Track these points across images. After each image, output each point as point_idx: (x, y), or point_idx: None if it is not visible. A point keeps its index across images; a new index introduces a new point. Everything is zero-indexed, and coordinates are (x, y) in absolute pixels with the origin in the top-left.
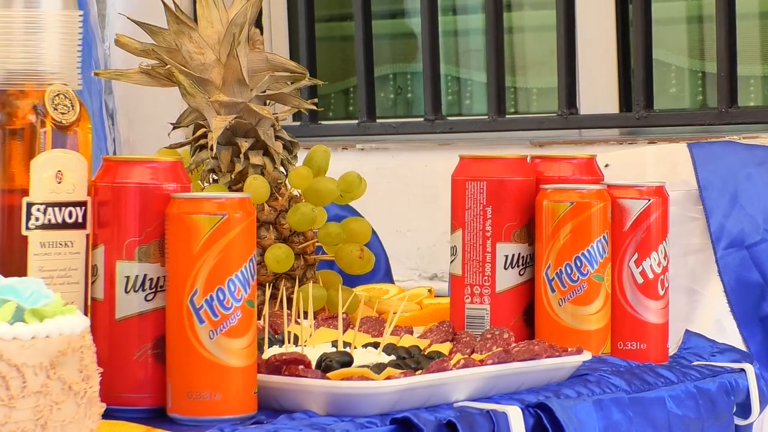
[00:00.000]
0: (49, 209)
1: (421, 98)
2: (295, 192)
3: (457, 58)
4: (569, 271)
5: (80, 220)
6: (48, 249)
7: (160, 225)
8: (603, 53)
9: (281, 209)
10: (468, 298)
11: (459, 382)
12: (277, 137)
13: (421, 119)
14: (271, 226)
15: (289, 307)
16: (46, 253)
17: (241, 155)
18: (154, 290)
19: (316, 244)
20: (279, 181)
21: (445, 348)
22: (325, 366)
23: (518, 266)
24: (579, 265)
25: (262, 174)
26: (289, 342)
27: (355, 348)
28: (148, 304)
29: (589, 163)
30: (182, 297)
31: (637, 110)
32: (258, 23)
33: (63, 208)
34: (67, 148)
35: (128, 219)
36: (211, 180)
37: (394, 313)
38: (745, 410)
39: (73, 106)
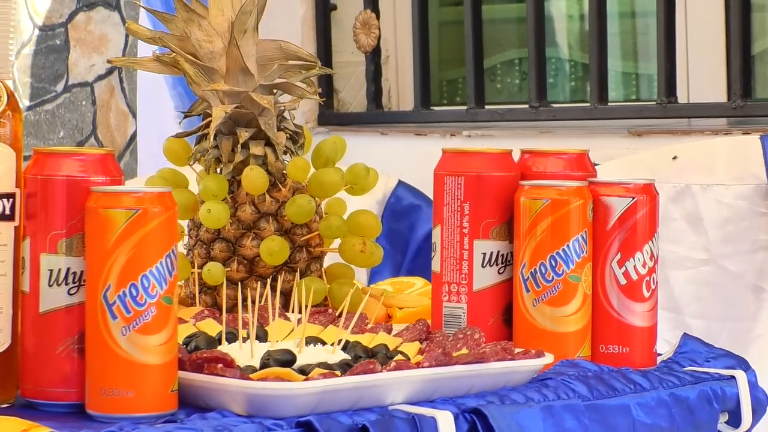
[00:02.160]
0: None
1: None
2: (303, 183)
3: (582, 44)
4: (543, 271)
5: (8, 211)
6: None
7: (84, 218)
8: (712, 41)
9: (284, 200)
10: (445, 296)
11: (386, 385)
12: (281, 127)
13: (527, 106)
14: (271, 218)
15: (289, 300)
16: None
17: (239, 145)
18: (77, 284)
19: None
20: (283, 172)
21: (413, 347)
22: (262, 364)
23: (497, 264)
24: (554, 264)
25: (265, 164)
26: (255, 338)
27: (331, 345)
28: (71, 298)
29: (579, 159)
30: (96, 292)
31: (734, 99)
32: (375, 7)
33: None
34: None
35: (53, 211)
36: (217, 170)
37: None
38: (738, 419)
39: (0, 96)
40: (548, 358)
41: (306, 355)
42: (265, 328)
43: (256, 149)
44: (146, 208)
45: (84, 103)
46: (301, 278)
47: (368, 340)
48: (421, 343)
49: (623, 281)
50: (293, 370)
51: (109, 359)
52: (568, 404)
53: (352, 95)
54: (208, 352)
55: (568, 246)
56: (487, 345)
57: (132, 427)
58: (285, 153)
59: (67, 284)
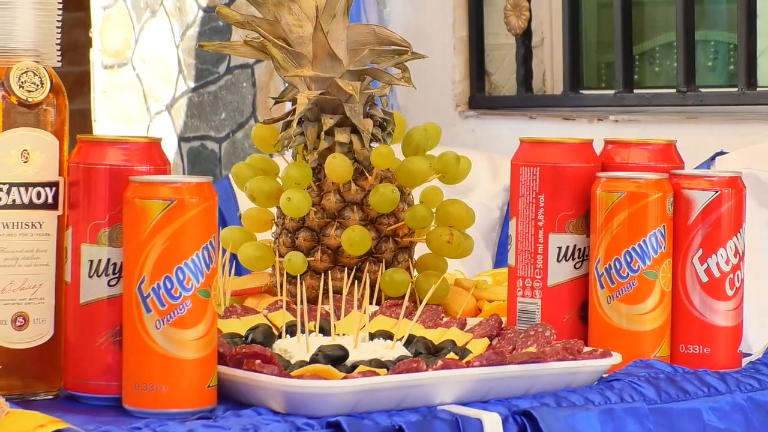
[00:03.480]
0: (14, 189)
1: (705, 66)
2: (392, 172)
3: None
4: (618, 267)
5: (50, 200)
6: (12, 230)
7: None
8: None
9: (370, 189)
10: (520, 291)
11: (432, 384)
12: (368, 114)
13: (674, 90)
14: (356, 207)
15: (373, 291)
16: (10, 234)
17: (323, 132)
18: (117, 276)
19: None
20: (370, 160)
21: (481, 344)
22: (311, 359)
23: (573, 259)
24: (629, 260)
25: (351, 152)
26: (320, 332)
27: (398, 340)
28: (112, 289)
29: (666, 150)
30: (132, 285)
31: None
32: None
33: (30, 188)
34: (37, 126)
35: (95, 201)
36: (304, 158)
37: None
38: None
39: (42, 83)
40: (615, 359)
41: (362, 351)
42: (340, 320)
43: (341, 136)
44: (183, 198)
45: (245, 84)
46: (386, 269)
47: (439, 335)
48: (491, 339)
49: (705, 278)
50: (346, 365)
51: (143, 353)
52: (631, 408)
53: (505, 78)
54: (247, 348)
55: (644, 241)
56: (557, 343)
57: (160, 424)
58: (373, 140)
59: (107, 275)
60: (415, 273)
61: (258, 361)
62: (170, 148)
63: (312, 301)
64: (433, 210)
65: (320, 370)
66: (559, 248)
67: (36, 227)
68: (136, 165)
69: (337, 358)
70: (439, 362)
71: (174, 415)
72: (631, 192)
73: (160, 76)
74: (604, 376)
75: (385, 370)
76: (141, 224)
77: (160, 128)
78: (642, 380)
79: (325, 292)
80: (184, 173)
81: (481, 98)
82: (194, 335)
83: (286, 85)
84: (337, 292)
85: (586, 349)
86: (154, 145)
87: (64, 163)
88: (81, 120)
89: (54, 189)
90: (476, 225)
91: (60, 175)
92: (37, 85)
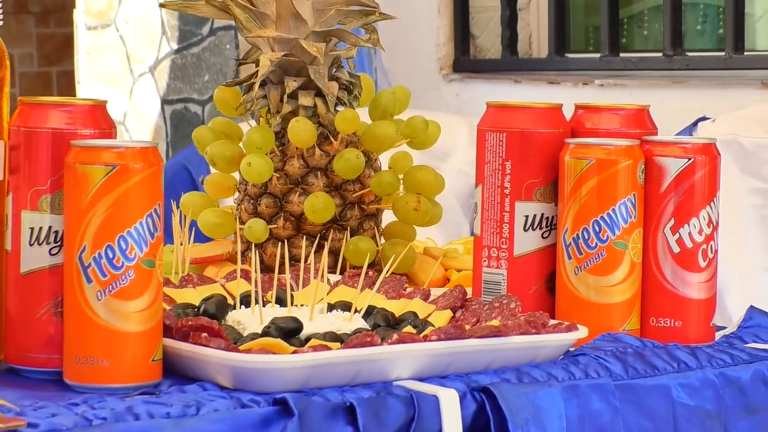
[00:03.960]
0: None
1: (694, 30)
2: (358, 137)
3: None
4: (587, 237)
5: None
6: None
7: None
8: None
9: (335, 154)
10: (485, 261)
11: (387, 359)
12: (334, 77)
13: (660, 54)
14: (320, 173)
15: (337, 261)
16: None
17: (286, 95)
18: (59, 244)
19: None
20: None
21: (444, 316)
22: (263, 332)
23: (541, 228)
24: (598, 230)
25: (315, 116)
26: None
27: (356, 312)
28: (53, 258)
29: (638, 115)
30: (72, 254)
31: None
32: None
33: None
34: None
35: (36, 166)
36: (268, 122)
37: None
38: None
39: None
40: (581, 333)
41: (317, 323)
42: (299, 291)
43: (305, 99)
44: (126, 164)
45: (228, 46)
46: (352, 237)
47: (401, 306)
48: (454, 311)
49: (677, 249)
50: (299, 338)
51: (84, 325)
52: (596, 384)
53: (490, 41)
54: (194, 320)
55: (614, 210)
56: (522, 315)
57: (99, 400)
58: (339, 104)
59: (48, 243)
60: (382, 241)
61: (204, 335)
62: (153, 111)
63: (277, 269)
64: (401, 176)
65: (270, 344)
66: (526, 217)
67: None
68: (80, 129)
69: (290, 330)
70: (395, 336)
71: (116, 390)
72: (601, 159)
73: (144, 38)
74: (570, 350)
75: (339, 343)
76: (82, 191)
77: (143, 91)
78: (609, 355)
79: (285, 261)
80: (167, 137)
81: (465, 61)
82: (137, 307)
83: None
84: (299, 260)
85: (552, 322)
86: (99, 108)
87: (5, 126)
88: (66, 82)
89: None
90: (454, 192)
91: (0, 139)
92: None
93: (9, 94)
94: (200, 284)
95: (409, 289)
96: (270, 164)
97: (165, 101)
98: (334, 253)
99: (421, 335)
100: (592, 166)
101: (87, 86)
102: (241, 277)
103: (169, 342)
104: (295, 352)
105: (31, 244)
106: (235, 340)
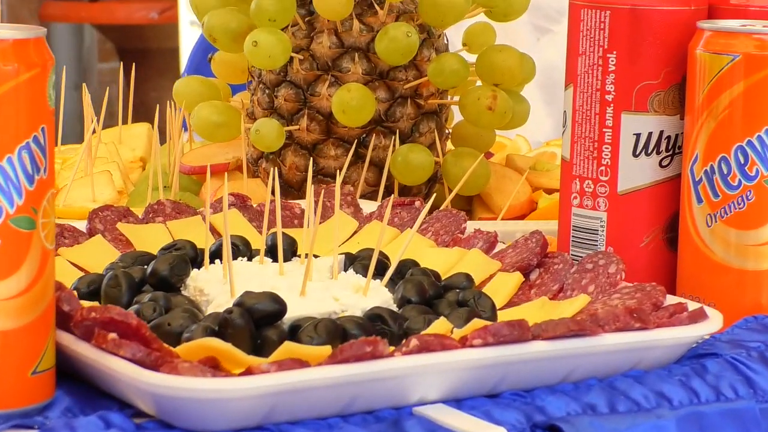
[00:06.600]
0: None
1: None
2: (413, 5)
3: None
4: (726, 171)
5: None
6: None
7: None
8: None
9: (380, 29)
10: (576, 198)
11: (402, 377)
12: None
13: None
14: (358, 55)
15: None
16: None
17: None
18: None
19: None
20: None
21: (511, 282)
22: (221, 320)
23: (658, 153)
24: (743, 161)
25: None
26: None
27: (377, 277)
28: None
29: None
30: None
31: None
32: None
33: None
34: None
35: None
36: None
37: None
38: None
39: None
40: (710, 324)
41: (313, 299)
42: (314, 227)
43: None
44: None
45: None
46: (401, 144)
47: (453, 259)
48: (527, 274)
49: None
50: (280, 328)
51: None
52: (733, 409)
53: None
54: (100, 310)
55: (767, 132)
56: (623, 288)
57: None
58: None
59: None
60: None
61: (113, 335)
62: None
63: (296, 187)
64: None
65: (217, 350)
66: (637, 136)
67: None
68: None
69: (265, 315)
70: (413, 342)
71: None
72: (750, 55)
73: None
74: (695, 345)
75: (329, 347)
76: None
77: None
78: (755, 357)
79: (306, 179)
80: None
81: None
82: (4, 293)
83: None
84: (329, 175)
85: (669, 300)
86: None
87: None
88: None
89: None
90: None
91: None
92: None
93: None
94: (175, 216)
95: (468, 231)
96: (286, 43)
97: None
98: (377, 167)
99: (458, 337)
100: (737, 63)
101: None
102: (238, 204)
103: (66, 340)
104: (248, 370)
105: None
106: (179, 332)
